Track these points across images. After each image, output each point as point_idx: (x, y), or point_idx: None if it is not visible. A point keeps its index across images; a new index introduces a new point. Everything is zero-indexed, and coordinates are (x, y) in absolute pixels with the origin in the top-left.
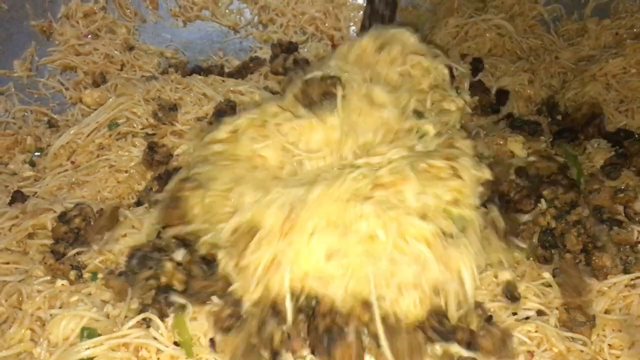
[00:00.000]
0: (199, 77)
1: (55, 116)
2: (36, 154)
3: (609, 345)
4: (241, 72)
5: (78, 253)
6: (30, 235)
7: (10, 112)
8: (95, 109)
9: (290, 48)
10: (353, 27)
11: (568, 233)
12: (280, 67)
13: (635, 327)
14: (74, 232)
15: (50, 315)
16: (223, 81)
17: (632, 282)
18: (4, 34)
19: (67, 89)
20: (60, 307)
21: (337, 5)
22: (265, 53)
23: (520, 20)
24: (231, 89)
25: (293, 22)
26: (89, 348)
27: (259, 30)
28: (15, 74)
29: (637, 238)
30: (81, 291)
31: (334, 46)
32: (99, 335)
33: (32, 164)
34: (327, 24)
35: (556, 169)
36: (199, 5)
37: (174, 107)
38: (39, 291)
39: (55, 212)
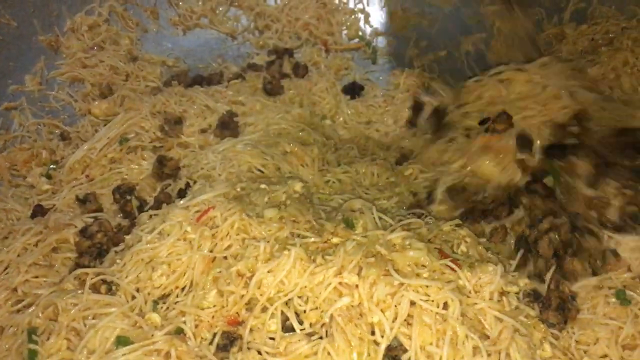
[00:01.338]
0: (201, 88)
1: (66, 128)
2: (51, 166)
3: (577, 341)
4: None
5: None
6: (55, 249)
7: (25, 126)
8: (104, 120)
9: (285, 53)
10: (345, 32)
11: (541, 240)
12: (276, 73)
13: (600, 325)
14: (97, 247)
15: (86, 326)
16: (223, 92)
17: (600, 285)
18: (15, 50)
19: (76, 100)
20: (93, 319)
21: (330, 11)
22: (262, 59)
23: None
24: (232, 99)
25: (288, 27)
26: (124, 354)
27: (256, 37)
28: (27, 89)
29: (607, 244)
30: (112, 302)
31: (327, 51)
32: (132, 343)
33: (49, 177)
34: (320, 29)
35: (532, 178)
36: (198, 13)
37: (179, 120)
38: (73, 304)
39: (76, 227)
